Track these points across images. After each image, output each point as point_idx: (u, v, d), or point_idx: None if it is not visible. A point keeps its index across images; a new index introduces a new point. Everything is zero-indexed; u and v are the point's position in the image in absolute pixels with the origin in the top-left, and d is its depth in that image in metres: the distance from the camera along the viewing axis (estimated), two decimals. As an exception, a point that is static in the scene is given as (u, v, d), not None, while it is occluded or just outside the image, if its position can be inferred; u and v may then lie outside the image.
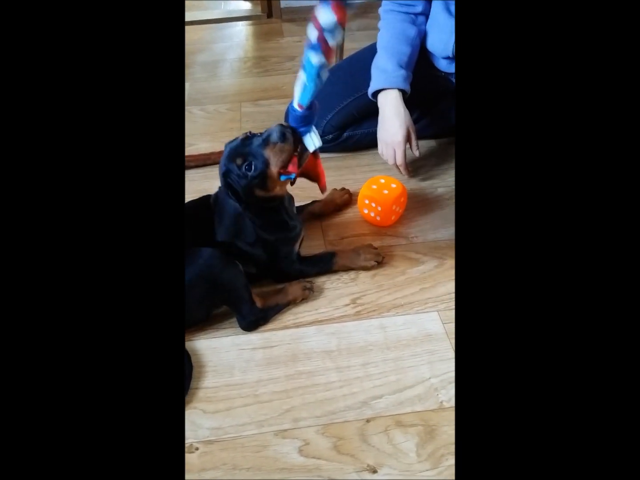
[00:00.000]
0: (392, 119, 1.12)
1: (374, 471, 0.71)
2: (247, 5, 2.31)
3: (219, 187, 0.92)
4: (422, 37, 1.20)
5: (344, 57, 1.64)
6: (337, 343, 0.87)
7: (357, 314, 0.92)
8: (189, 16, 2.19)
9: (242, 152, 0.86)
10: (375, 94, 1.16)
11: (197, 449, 0.73)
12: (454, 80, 1.23)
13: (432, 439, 0.74)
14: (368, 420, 0.76)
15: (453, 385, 0.79)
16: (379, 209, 1.06)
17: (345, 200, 1.15)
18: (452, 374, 0.81)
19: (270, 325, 0.90)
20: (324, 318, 0.91)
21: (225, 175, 0.88)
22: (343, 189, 1.16)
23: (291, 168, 0.85)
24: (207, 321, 0.90)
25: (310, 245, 1.05)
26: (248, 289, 0.88)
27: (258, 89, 1.62)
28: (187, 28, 2.09)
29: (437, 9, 1.15)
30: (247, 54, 1.88)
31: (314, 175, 0.96)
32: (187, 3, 2.47)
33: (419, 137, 1.18)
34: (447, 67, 1.22)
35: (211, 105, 1.55)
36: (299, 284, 0.94)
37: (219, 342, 0.88)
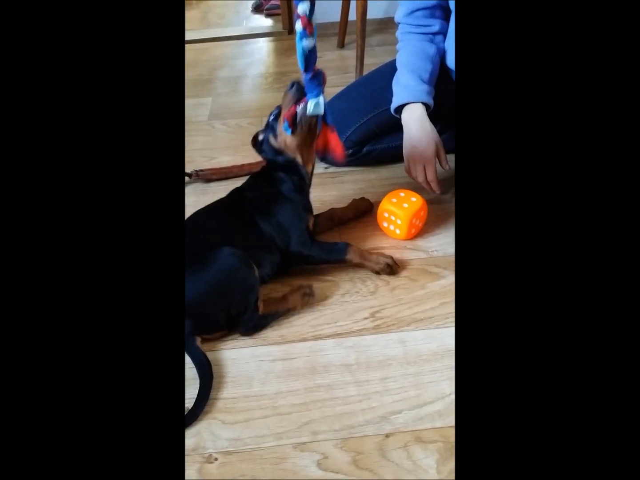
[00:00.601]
0: (419, 135, 1.11)
1: (393, 487, 0.70)
2: (269, 22, 2.37)
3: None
4: (442, 54, 1.21)
5: (364, 73, 1.67)
6: (356, 357, 0.87)
7: (376, 328, 0.92)
8: (211, 33, 2.25)
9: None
10: (398, 110, 1.16)
11: (216, 459, 0.74)
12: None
13: (453, 456, 0.73)
14: (387, 436, 0.75)
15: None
16: (399, 222, 1.06)
17: (367, 206, 1.15)
18: (473, 390, 0.80)
19: (289, 337, 0.91)
20: (342, 331, 0.91)
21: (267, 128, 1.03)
22: (363, 198, 1.17)
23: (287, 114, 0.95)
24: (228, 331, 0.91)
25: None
26: (256, 295, 0.89)
27: (278, 103, 1.64)
28: (210, 44, 2.14)
29: (455, 26, 1.16)
30: (268, 69, 1.92)
31: (329, 147, 0.99)
32: (210, 20, 2.54)
33: (442, 151, 1.18)
34: (467, 82, 1.22)
35: (233, 120, 1.58)
36: (299, 290, 0.95)
37: (238, 353, 0.88)
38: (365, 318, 0.93)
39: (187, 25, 2.43)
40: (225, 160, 1.39)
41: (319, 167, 1.29)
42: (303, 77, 0.91)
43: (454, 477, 0.70)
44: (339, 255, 0.99)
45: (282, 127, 0.97)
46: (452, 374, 0.83)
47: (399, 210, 1.05)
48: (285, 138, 0.98)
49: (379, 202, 1.09)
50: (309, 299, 0.94)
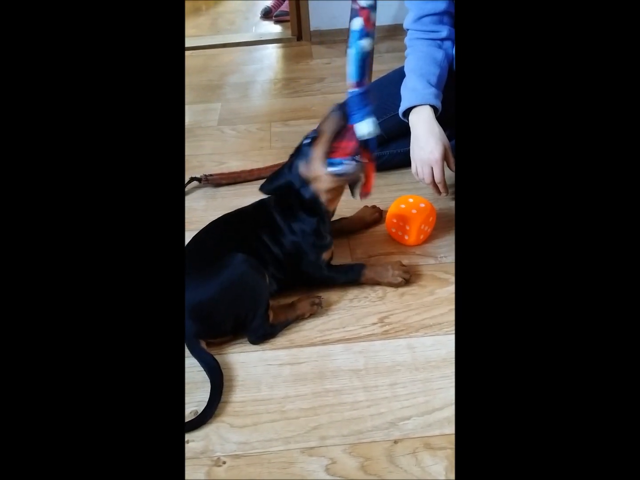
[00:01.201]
0: (427, 136, 1.11)
1: (402, 493, 0.70)
2: (278, 29, 2.38)
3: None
4: (450, 60, 1.21)
5: (372, 80, 1.67)
6: (365, 362, 0.87)
7: (385, 333, 0.92)
8: (221, 39, 2.27)
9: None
10: (406, 113, 1.17)
11: (224, 462, 0.74)
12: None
13: (462, 462, 0.72)
14: (396, 442, 0.75)
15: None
16: (408, 228, 1.06)
17: (375, 218, 1.15)
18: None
19: (297, 342, 0.91)
20: (351, 336, 0.91)
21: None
22: (374, 206, 1.17)
23: (339, 152, 0.82)
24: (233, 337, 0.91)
25: (338, 262, 1.05)
26: (267, 303, 0.89)
27: (288, 109, 1.65)
28: (219, 50, 2.16)
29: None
30: (277, 75, 1.93)
31: (365, 186, 0.94)
32: (219, 26, 2.57)
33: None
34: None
35: (242, 125, 1.59)
36: (308, 299, 0.95)
37: (247, 357, 0.89)
38: (374, 323, 0.93)
39: (197, 31, 2.46)
40: (234, 165, 1.39)
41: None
42: (349, 92, 0.80)
43: (463, 484, 0.70)
44: (354, 277, 0.99)
45: (318, 159, 0.85)
46: (460, 380, 0.83)
47: (407, 216, 1.05)
48: (320, 174, 0.89)
49: (387, 208, 1.10)
50: (317, 308, 0.94)
